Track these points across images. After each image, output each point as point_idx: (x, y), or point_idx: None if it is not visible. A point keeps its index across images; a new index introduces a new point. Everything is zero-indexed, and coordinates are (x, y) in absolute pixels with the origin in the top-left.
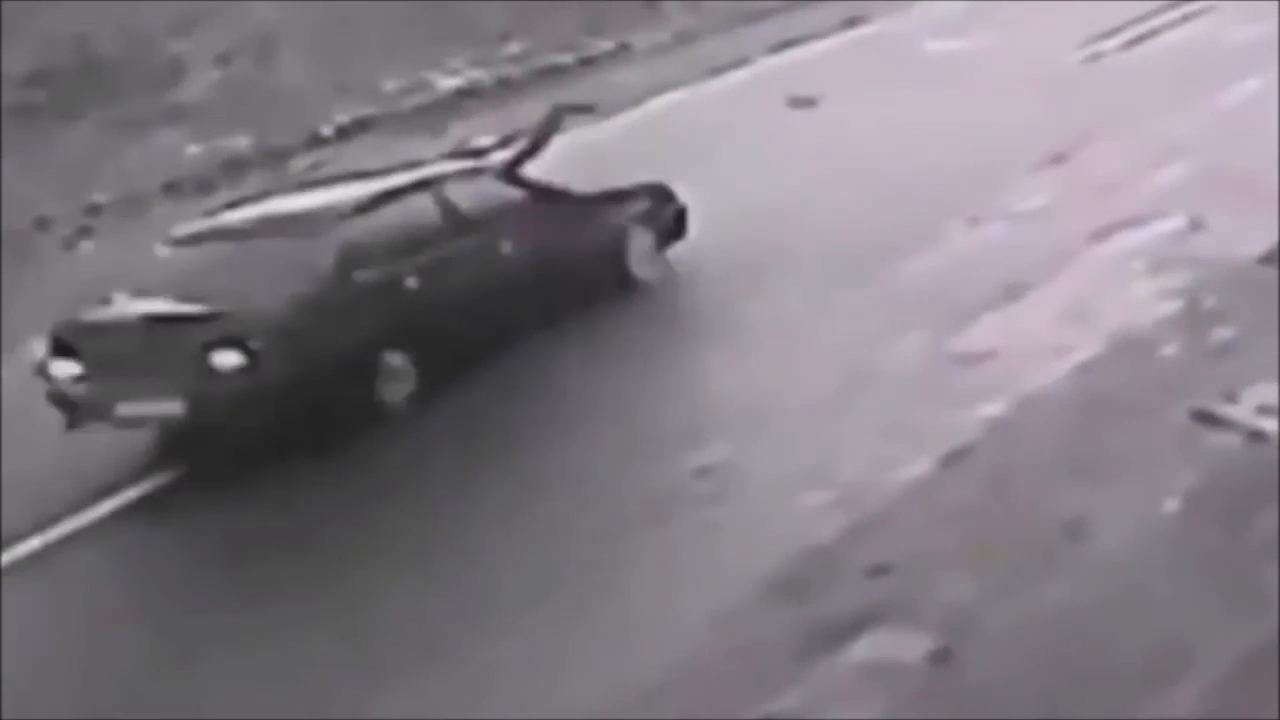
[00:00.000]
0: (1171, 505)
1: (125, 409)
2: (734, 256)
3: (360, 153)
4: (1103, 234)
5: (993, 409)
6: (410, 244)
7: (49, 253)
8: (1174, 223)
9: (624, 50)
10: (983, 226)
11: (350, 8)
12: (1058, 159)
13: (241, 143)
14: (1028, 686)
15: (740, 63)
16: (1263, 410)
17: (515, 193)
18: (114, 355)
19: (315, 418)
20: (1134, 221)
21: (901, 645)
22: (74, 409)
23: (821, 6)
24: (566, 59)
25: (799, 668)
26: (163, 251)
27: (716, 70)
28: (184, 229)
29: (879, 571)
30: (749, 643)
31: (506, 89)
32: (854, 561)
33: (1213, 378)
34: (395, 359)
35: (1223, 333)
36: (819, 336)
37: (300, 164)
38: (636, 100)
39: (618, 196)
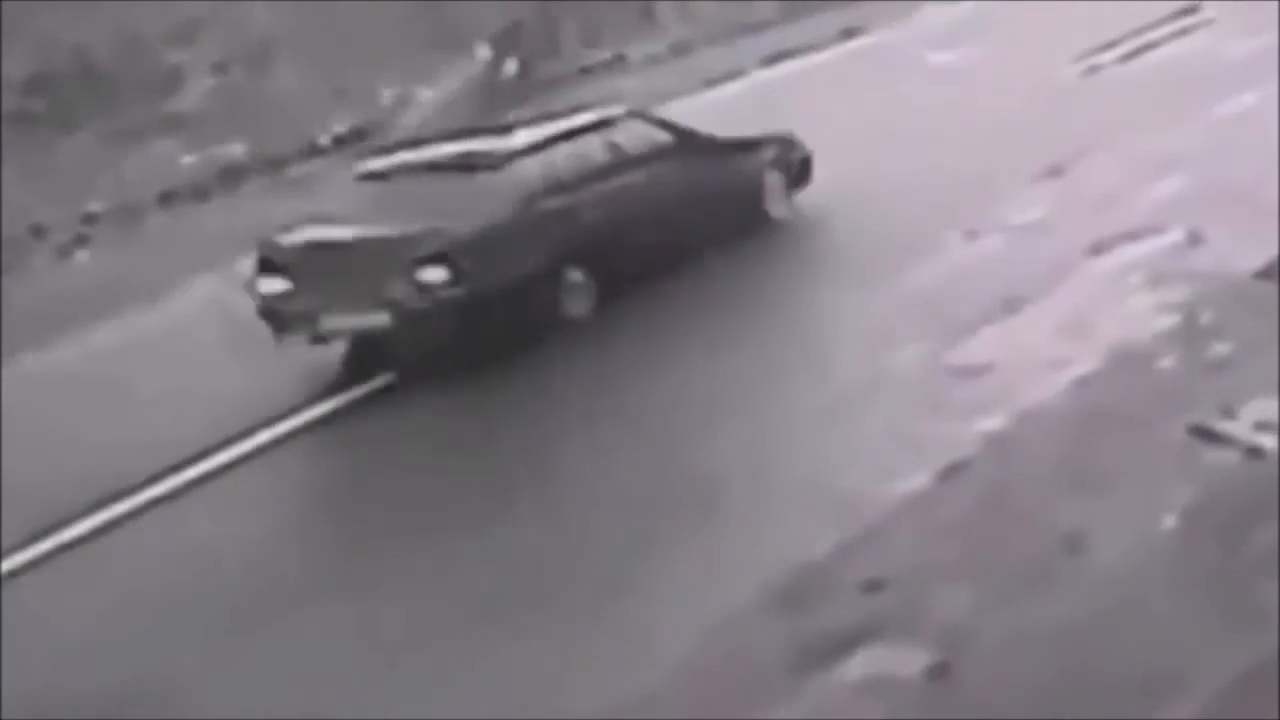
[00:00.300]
0: (1169, 521)
1: (332, 322)
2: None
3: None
4: (1101, 247)
5: (992, 423)
6: (583, 177)
7: (45, 261)
8: (1172, 236)
9: (619, 61)
10: (981, 239)
11: (348, 15)
12: (1056, 171)
13: (237, 151)
14: (1025, 701)
15: (736, 74)
16: (1261, 426)
17: (668, 137)
18: (322, 273)
19: (508, 326)
20: (1132, 235)
21: (899, 660)
22: (282, 322)
23: (819, 17)
24: (563, 69)
25: (797, 681)
26: (351, 185)
27: (711, 81)
28: (369, 165)
29: (874, 587)
30: (745, 653)
31: (502, 98)
32: (851, 575)
33: (1211, 393)
34: (576, 275)
35: (1220, 348)
36: (822, 344)
37: (296, 172)
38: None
39: (754, 143)
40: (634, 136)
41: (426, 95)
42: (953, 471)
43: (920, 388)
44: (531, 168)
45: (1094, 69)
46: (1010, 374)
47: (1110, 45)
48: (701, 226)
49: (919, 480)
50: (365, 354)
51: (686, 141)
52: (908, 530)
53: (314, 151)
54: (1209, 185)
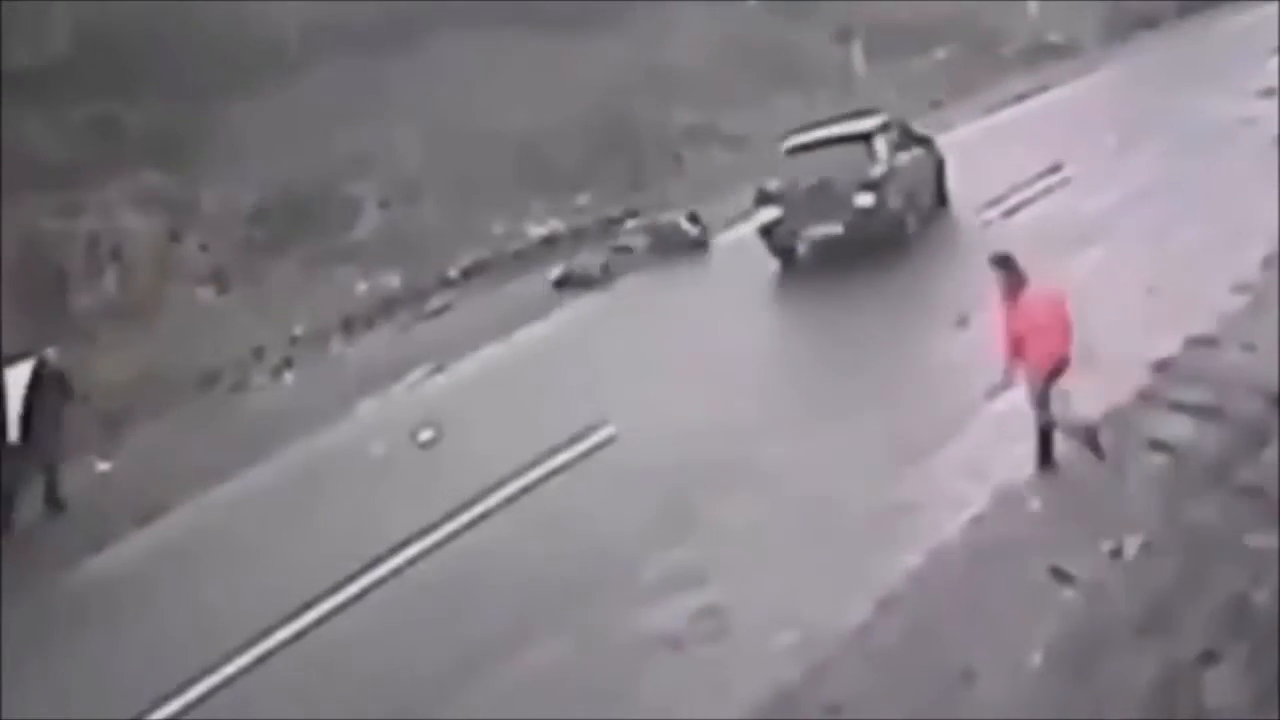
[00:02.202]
0: (1036, 658)
1: (808, 232)
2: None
3: (477, 292)
4: (993, 393)
5: (913, 559)
6: (899, 148)
7: (263, 380)
8: None
9: (661, 202)
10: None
11: (470, 159)
12: (964, 322)
13: (395, 282)
14: None
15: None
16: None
17: (907, 130)
18: (800, 204)
19: (892, 232)
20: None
21: None
22: (771, 235)
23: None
24: (616, 211)
25: None
26: (787, 156)
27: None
28: (792, 142)
29: (833, 710)
30: None
31: (578, 237)
32: (814, 699)
33: (1068, 534)
34: (910, 209)
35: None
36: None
37: (435, 303)
38: None
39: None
40: (901, 128)
41: (533, 231)
42: (887, 604)
43: (869, 522)
44: (884, 139)
45: (988, 223)
46: (927, 513)
47: (997, 200)
48: (936, 190)
49: (864, 612)
50: (790, 253)
51: (914, 134)
52: (857, 658)
53: (446, 283)
54: None
